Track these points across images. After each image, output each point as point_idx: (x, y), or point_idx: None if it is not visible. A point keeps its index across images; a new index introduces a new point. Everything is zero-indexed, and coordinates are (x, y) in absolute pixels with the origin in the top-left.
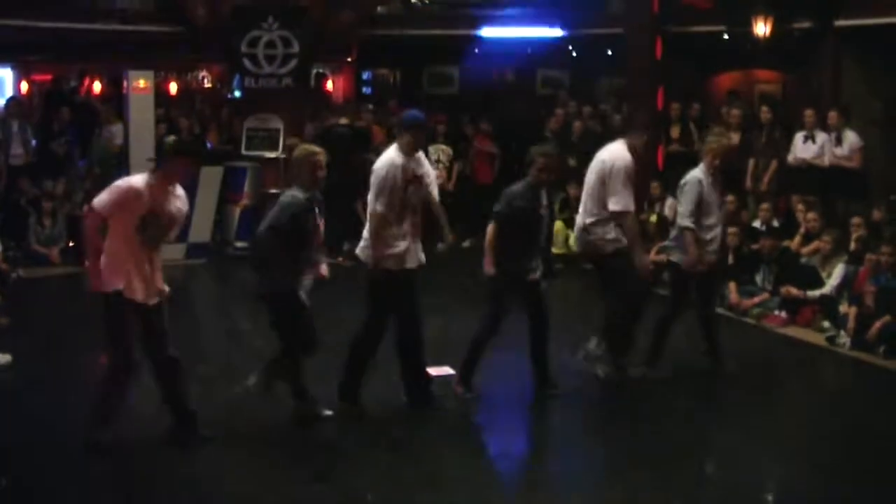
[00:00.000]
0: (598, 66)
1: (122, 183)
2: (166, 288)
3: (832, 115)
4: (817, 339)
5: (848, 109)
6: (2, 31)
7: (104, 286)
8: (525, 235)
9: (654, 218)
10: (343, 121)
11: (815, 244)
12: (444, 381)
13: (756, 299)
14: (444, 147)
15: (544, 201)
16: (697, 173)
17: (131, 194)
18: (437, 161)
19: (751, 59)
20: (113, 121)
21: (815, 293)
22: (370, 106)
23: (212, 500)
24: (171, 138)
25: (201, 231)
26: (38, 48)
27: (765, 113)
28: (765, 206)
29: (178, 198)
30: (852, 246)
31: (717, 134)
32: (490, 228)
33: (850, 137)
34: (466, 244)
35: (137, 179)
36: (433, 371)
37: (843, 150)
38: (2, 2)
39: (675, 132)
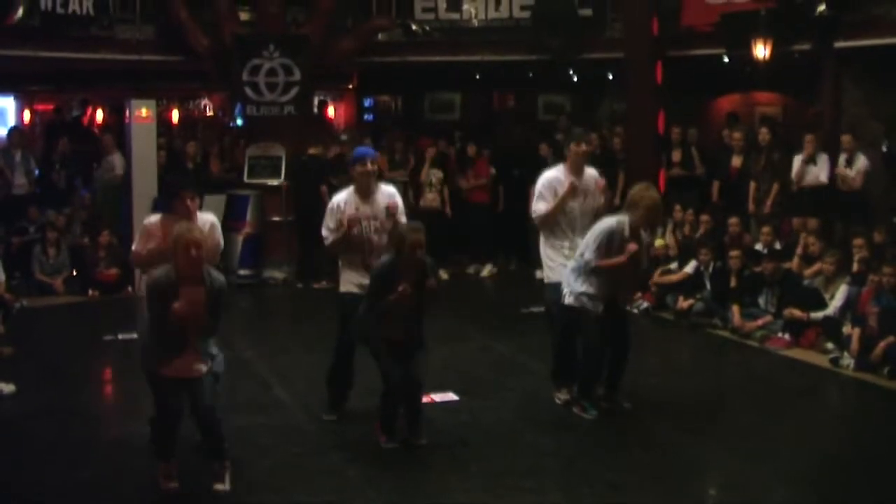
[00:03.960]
0: (599, 91)
1: None
2: None
3: (846, 139)
4: (821, 360)
5: (859, 131)
6: (4, 60)
7: None
8: None
9: (659, 242)
10: (312, 151)
11: (817, 266)
12: (447, 409)
13: (759, 322)
14: (435, 170)
15: None
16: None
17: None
18: (430, 185)
19: (751, 81)
20: (112, 151)
21: (819, 315)
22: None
23: None
24: None
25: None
26: (41, 78)
27: (763, 135)
28: (766, 228)
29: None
30: (855, 267)
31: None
32: None
33: (861, 160)
34: (471, 270)
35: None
36: (437, 397)
37: (851, 172)
38: (4, 32)
39: (676, 156)
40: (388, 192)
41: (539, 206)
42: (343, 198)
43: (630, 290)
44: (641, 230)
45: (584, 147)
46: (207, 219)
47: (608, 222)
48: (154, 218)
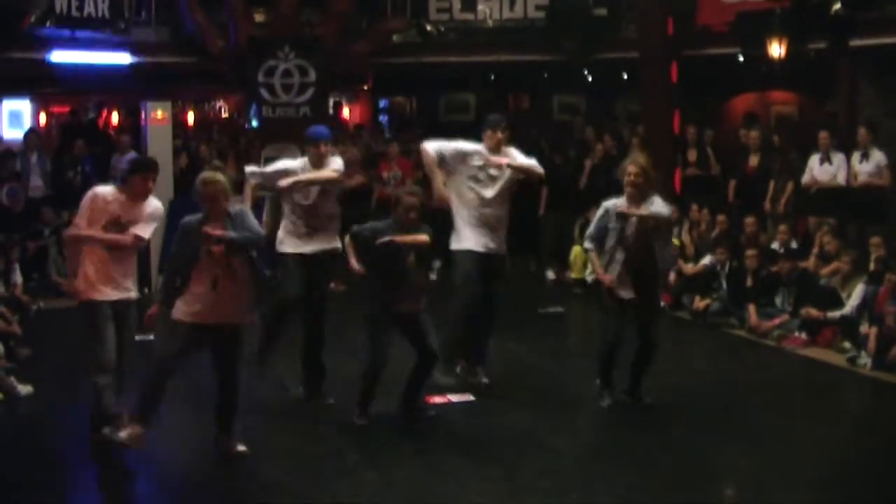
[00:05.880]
0: (613, 91)
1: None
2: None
3: (861, 132)
4: (838, 360)
5: (875, 126)
6: (20, 63)
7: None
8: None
9: (675, 241)
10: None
11: (833, 265)
12: (464, 409)
13: (776, 321)
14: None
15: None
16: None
17: (97, 198)
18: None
19: (766, 81)
20: (128, 151)
21: (836, 314)
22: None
23: None
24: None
25: None
26: (57, 80)
27: (775, 138)
28: (783, 227)
29: (147, 207)
30: (872, 266)
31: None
32: None
33: (878, 155)
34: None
35: (104, 188)
36: (454, 398)
37: (870, 167)
38: (21, 35)
39: (691, 155)
40: (336, 163)
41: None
42: (300, 164)
43: (653, 275)
44: (639, 203)
45: (499, 135)
46: (155, 204)
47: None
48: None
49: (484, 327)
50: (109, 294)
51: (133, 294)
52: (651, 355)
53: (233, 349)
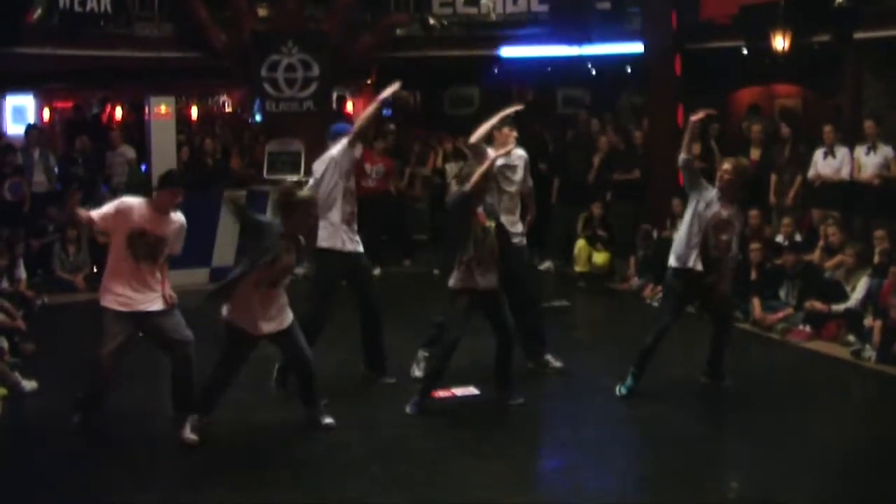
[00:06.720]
0: (618, 84)
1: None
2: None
3: (868, 125)
4: (842, 353)
5: (882, 119)
6: (23, 59)
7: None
8: None
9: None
10: None
11: (838, 258)
12: (469, 403)
13: (780, 314)
14: (452, 164)
15: None
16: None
17: (122, 208)
18: (455, 177)
19: (770, 74)
20: (119, 145)
21: (840, 307)
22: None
23: None
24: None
25: (224, 255)
26: (60, 76)
27: (784, 129)
28: (787, 220)
29: (173, 223)
30: (876, 259)
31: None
32: None
33: (885, 148)
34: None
35: (132, 200)
36: (458, 391)
37: (878, 160)
38: (24, 30)
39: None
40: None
41: None
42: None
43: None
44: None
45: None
46: (179, 219)
47: None
48: (133, 200)
49: (531, 315)
50: (112, 305)
51: (151, 304)
52: (727, 335)
53: (287, 340)
